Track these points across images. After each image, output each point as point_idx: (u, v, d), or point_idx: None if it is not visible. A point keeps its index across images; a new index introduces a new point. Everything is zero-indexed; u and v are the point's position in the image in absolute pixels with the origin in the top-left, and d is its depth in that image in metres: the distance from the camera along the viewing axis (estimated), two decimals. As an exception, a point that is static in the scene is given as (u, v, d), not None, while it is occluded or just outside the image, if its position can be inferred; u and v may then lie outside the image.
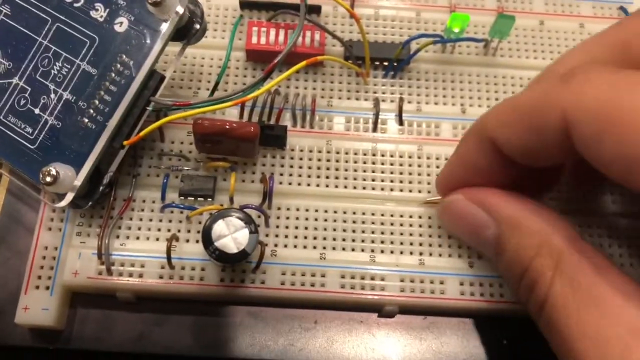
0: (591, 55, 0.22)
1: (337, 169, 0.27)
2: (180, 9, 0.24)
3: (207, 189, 0.26)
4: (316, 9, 0.30)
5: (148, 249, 0.26)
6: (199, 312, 0.26)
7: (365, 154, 0.28)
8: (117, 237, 0.26)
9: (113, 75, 0.24)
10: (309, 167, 0.27)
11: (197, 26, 0.25)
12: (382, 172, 0.28)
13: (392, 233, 0.26)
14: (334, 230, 0.26)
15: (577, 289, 0.19)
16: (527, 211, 0.22)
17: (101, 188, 0.25)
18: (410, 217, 0.27)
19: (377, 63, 0.29)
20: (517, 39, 0.30)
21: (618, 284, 0.18)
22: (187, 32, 0.25)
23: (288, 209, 0.27)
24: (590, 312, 0.18)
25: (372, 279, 0.26)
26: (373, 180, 0.27)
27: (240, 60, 0.29)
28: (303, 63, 0.25)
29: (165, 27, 0.24)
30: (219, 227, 0.22)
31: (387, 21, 0.31)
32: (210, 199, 0.26)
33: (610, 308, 0.18)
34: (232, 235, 0.22)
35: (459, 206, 0.24)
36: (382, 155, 0.28)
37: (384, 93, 0.29)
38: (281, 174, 0.27)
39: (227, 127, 0.25)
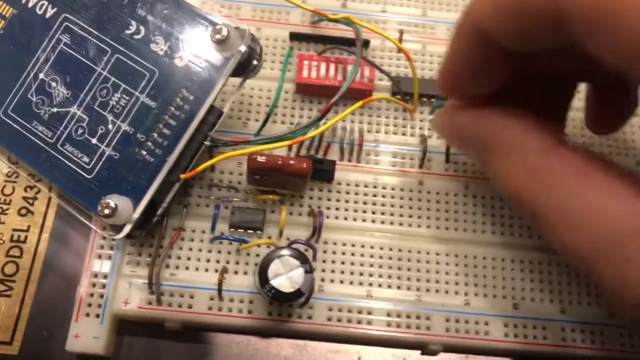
0: None
1: (383, 205, 0.28)
2: (243, 48, 0.24)
3: (257, 222, 0.27)
4: (365, 44, 0.30)
5: (198, 280, 0.26)
6: (245, 343, 0.26)
7: (411, 191, 0.28)
8: (167, 266, 0.26)
9: (173, 109, 0.24)
10: (356, 202, 0.28)
11: (256, 62, 0.25)
12: (428, 210, 0.28)
13: (437, 272, 0.27)
14: (380, 267, 0.27)
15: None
16: (508, 123, 0.22)
17: (155, 219, 0.25)
18: (456, 256, 0.27)
19: (425, 99, 0.30)
20: (562, 79, 0.31)
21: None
22: (245, 67, 0.25)
23: (335, 244, 0.27)
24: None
25: (418, 317, 0.26)
26: (419, 217, 0.28)
27: (289, 92, 0.30)
28: (360, 103, 0.25)
29: (227, 65, 0.24)
30: (275, 266, 0.23)
31: (434, 57, 0.31)
32: (259, 232, 0.27)
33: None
34: (287, 274, 0.23)
35: (453, 117, 0.24)
36: (428, 193, 0.28)
37: (430, 129, 0.29)
38: (328, 208, 0.27)
39: (282, 163, 0.25)
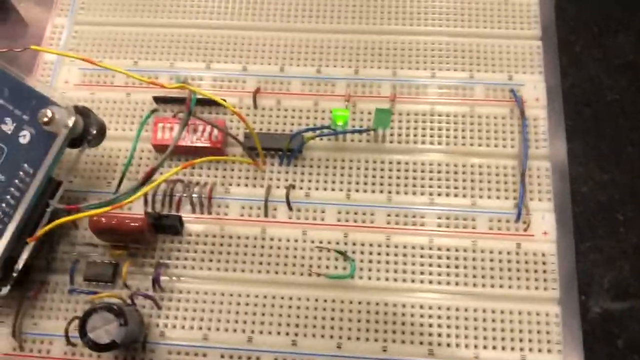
0: None
1: (228, 253, 0.30)
2: (70, 123, 0.27)
3: (107, 275, 0.30)
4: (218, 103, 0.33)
5: (56, 328, 0.29)
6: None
7: (255, 239, 0.31)
8: (32, 316, 0.30)
9: (17, 182, 0.28)
10: (203, 252, 0.30)
11: (94, 131, 0.29)
12: (270, 256, 0.30)
13: (272, 315, 0.29)
14: (220, 312, 0.29)
15: None
16: None
17: (15, 275, 0.29)
18: (290, 299, 0.29)
19: (273, 152, 0.32)
20: (408, 125, 0.33)
21: None
22: (81, 139, 0.29)
23: (180, 292, 0.30)
24: None
25: (249, 359, 0.28)
26: (260, 263, 0.30)
27: (152, 152, 0.33)
28: (164, 177, 0.28)
29: (55, 142, 0.27)
30: (93, 320, 0.26)
31: (288, 111, 0.33)
32: (111, 283, 0.30)
33: None
34: (104, 327, 0.26)
35: None
36: (271, 240, 0.31)
37: (278, 180, 0.32)
38: (177, 259, 0.30)
39: (115, 223, 0.28)
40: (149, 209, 0.31)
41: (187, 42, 0.35)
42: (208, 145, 0.32)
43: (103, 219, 0.28)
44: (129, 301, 0.29)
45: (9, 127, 0.29)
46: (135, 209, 0.31)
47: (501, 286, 0.29)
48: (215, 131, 0.32)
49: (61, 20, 0.37)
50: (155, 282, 0.29)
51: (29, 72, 0.35)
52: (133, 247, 0.30)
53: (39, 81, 0.32)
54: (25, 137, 0.28)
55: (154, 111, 0.33)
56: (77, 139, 0.29)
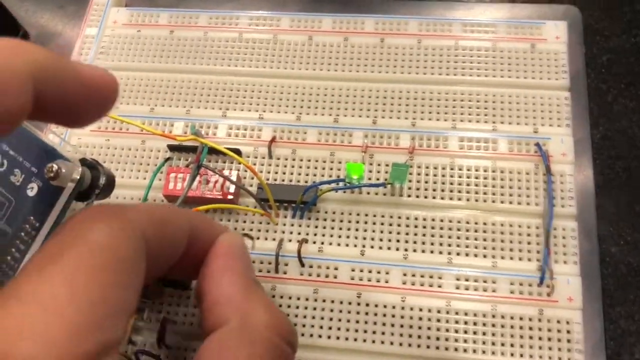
0: None
1: (237, 310, 0.29)
2: (76, 176, 0.27)
3: (113, 330, 0.29)
4: (237, 152, 0.32)
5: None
6: None
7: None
8: (36, 370, 0.29)
9: (23, 234, 0.28)
10: (211, 308, 0.29)
11: (101, 184, 0.28)
12: (279, 314, 0.29)
13: (279, 377, 0.28)
14: (226, 372, 0.28)
15: None
16: None
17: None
18: (300, 362, 0.28)
19: (286, 204, 0.31)
20: (427, 178, 0.31)
21: None
22: (91, 191, 0.28)
23: (186, 350, 0.29)
24: None
25: (254, 423, 0.27)
26: (269, 322, 0.29)
27: (165, 201, 0.32)
28: None
29: (63, 194, 0.27)
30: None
31: (303, 161, 0.32)
32: (116, 339, 0.29)
33: None
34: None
35: None
36: (281, 297, 0.29)
37: (291, 233, 0.31)
38: (185, 315, 0.29)
39: (121, 280, 0.27)
40: (158, 261, 0.30)
41: (204, 89, 0.35)
42: (220, 196, 0.31)
43: (108, 275, 0.27)
44: (133, 359, 0.28)
45: (17, 178, 0.28)
46: (144, 261, 0.30)
47: (521, 355, 0.27)
48: (228, 182, 0.31)
49: (80, 64, 0.36)
50: (160, 340, 0.28)
51: (48, 115, 0.35)
52: (141, 300, 0.30)
53: (52, 132, 0.32)
54: (32, 189, 0.28)
55: (167, 160, 0.33)
56: (85, 192, 0.28)
